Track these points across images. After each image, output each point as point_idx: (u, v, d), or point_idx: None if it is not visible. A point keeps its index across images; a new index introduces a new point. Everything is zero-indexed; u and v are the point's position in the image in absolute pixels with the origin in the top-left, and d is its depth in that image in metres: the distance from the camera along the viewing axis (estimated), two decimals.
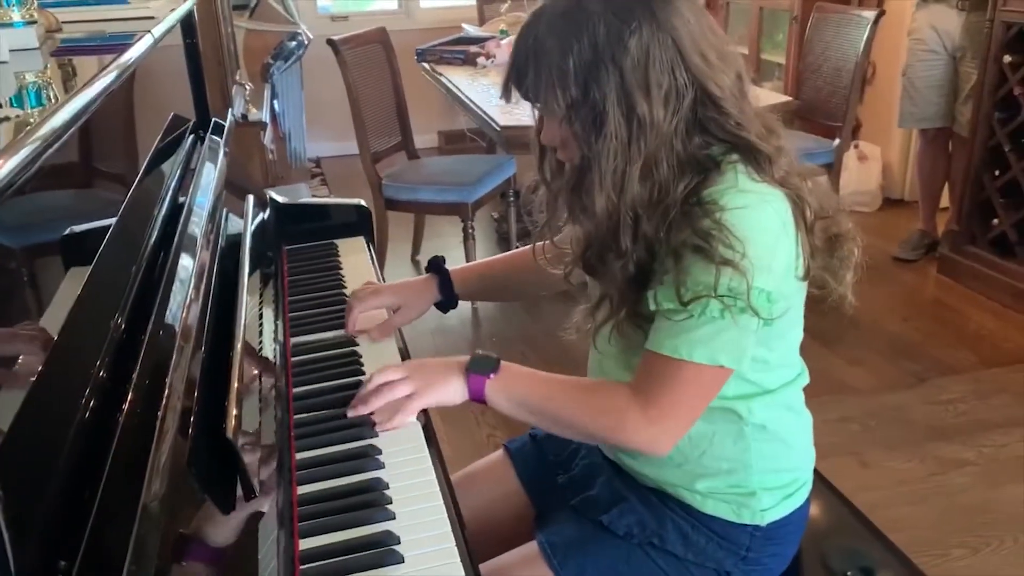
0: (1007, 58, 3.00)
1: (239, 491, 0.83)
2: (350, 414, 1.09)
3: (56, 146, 0.63)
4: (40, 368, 0.65)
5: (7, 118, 0.70)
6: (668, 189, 0.96)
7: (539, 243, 1.23)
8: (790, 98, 3.35)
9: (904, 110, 3.47)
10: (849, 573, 1.16)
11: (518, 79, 1.00)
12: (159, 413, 0.70)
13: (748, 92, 1.01)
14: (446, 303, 1.35)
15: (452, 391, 1.06)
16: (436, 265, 1.36)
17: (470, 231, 3.21)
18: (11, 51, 0.87)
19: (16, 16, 0.97)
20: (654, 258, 0.98)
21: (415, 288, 1.35)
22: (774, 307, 0.95)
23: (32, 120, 0.74)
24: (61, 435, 0.62)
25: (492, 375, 1.04)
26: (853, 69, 3.21)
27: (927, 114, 3.41)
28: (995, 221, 3.17)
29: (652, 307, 0.97)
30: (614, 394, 1.02)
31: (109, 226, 0.94)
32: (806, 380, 1.14)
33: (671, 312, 0.95)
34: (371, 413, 1.08)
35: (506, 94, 1.04)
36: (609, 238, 0.99)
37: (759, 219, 0.95)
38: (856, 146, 4.04)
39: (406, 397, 1.07)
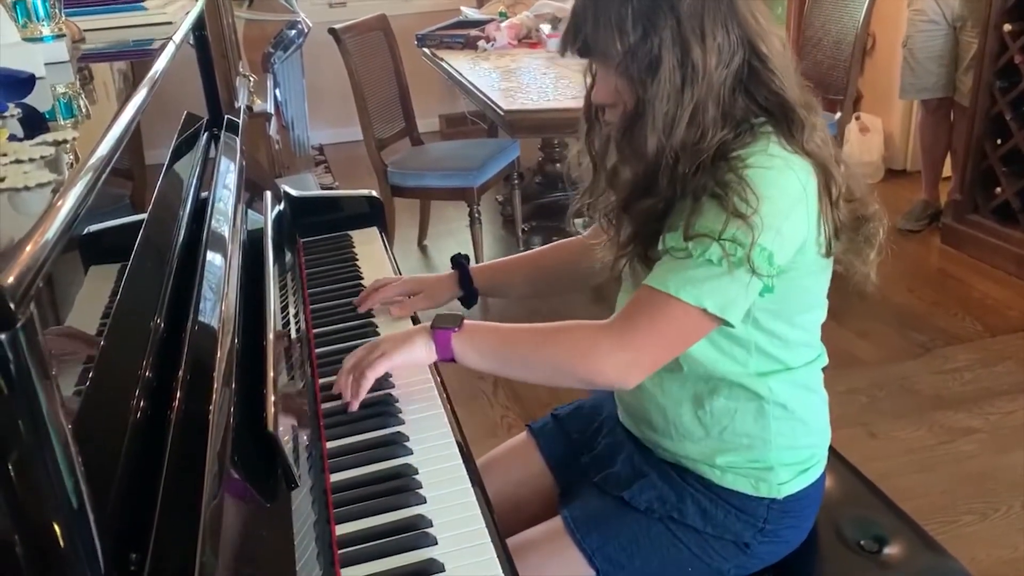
0: (1007, 27, 3.01)
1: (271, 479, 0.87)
2: (342, 399, 1.14)
3: (106, 172, 0.66)
4: (93, 369, 0.68)
5: (64, 140, 0.72)
6: (707, 135, 0.99)
7: (577, 231, 1.27)
8: None
9: (905, 81, 3.47)
10: (863, 542, 1.19)
11: (576, 30, 1.02)
12: (210, 408, 0.73)
13: (792, 63, 1.05)
14: (468, 298, 1.40)
15: (418, 349, 1.10)
16: (458, 261, 1.41)
17: (476, 215, 3.23)
18: (45, 64, 0.90)
19: (46, 30, 0.99)
20: (675, 199, 1.02)
21: (436, 279, 1.42)
22: (774, 269, 0.98)
23: (70, 136, 0.76)
24: (119, 434, 0.66)
25: (456, 328, 1.08)
26: (853, 41, 3.20)
27: (928, 85, 3.41)
28: (998, 190, 3.19)
29: (660, 247, 1.01)
30: (584, 326, 1.05)
31: (123, 224, 0.96)
32: (825, 361, 1.17)
33: (673, 249, 0.99)
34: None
35: (563, 48, 1.06)
36: (651, 178, 1.02)
37: (779, 181, 0.98)
38: (858, 118, 4.05)
39: (376, 358, 1.11)
